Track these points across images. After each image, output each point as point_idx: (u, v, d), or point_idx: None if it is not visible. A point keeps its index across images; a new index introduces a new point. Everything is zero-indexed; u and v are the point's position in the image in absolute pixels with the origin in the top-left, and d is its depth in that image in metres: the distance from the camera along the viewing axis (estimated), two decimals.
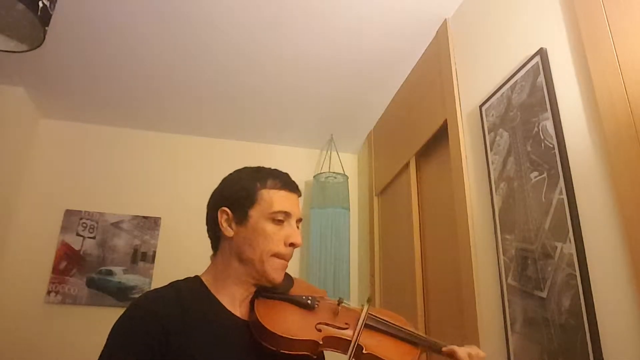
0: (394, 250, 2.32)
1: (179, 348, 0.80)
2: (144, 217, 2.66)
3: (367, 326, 0.92)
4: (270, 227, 0.92)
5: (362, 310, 0.94)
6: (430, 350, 0.96)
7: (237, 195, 0.95)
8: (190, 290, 0.91)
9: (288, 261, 0.95)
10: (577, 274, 1.05)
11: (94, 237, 2.58)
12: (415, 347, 0.95)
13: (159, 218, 2.66)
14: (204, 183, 2.72)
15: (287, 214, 0.94)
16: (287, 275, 0.98)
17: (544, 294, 1.16)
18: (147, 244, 2.62)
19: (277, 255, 0.92)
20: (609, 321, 0.98)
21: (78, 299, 2.45)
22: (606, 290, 1.00)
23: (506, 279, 1.32)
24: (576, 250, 1.07)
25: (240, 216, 0.93)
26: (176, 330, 0.81)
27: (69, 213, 2.60)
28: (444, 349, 0.92)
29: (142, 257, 2.59)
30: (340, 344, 0.88)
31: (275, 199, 0.93)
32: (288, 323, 0.88)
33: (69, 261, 2.51)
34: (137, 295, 2.48)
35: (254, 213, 0.92)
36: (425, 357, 1.61)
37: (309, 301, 0.93)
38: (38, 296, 2.42)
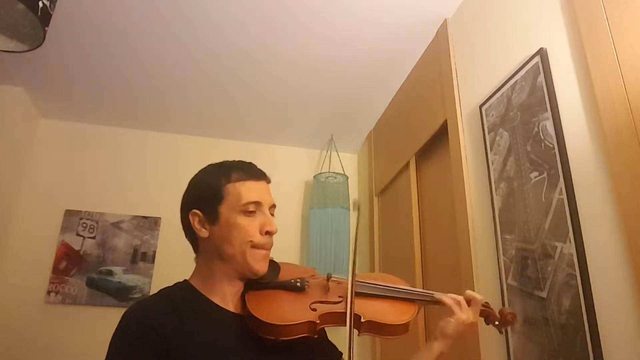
0: (394, 250, 2.32)
1: (180, 352, 0.80)
2: (144, 217, 2.66)
3: (359, 294, 0.92)
4: (242, 220, 0.91)
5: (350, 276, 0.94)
6: (426, 303, 0.98)
7: (204, 195, 0.94)
8: (182, 295, 0.90)
9: (269, 250, 0.94)
10: (577, 274, 1.05)
11: (94, 237, 2.58)
12: (411, 303, 0.96)
13: (159, 218, 2.66)
14: None
15: (257, 204, 0.93)
16: (272, 263, 0.97)
17: (544, 294, 1.16)
18: (147, 244, 2.62)
19: (255, 246, 0.91)
20: (609, 321, 0.98)
21: (78, 299, 2.45)
22: (606, 290, 0.99)
23: (506, 279, 1.32)
24: (576, 250, 1.07)
25: (211, 215, 0.92)
26: (174, 337, 0.81)
27: (69, 213, 2.60)
28: (435, 296, 0.96)
29: (142, 257, 2.59)
30: (337, 318, 0.89)
31: (242, 191, 0.92)
32: (281, 310, 0.88)
33: (69, 261, 2.51)
34: (137, 296, 2.50)
35: (224, 210, 0.92)
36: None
37: (298, 283, 0.93)
38: (38, 296, 2.42)
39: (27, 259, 2.47)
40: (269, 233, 0.93)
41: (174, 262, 2.56)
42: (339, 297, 0.92)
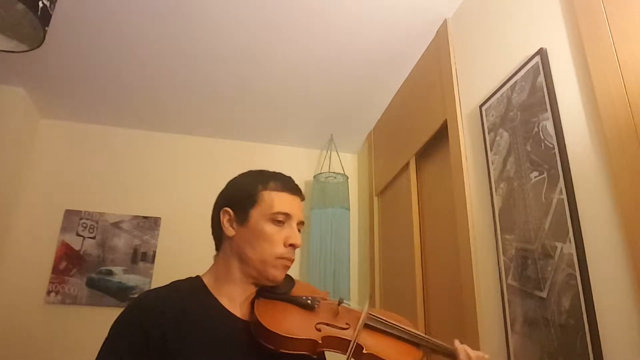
0: (394, 250, 2.32)
1: (175, 348, 0.80)
2: (144, 217, 2.66)
3: (367, 326, 0.92)
4: (270, 227, 0.93)
5: (362, 310, 0.94)
6: (433, 353, 0.95)
7: (239, 196, 0.97)
8: (190, 291, 0.91)
9: (290, 262, 0.95)
10: (577, 274, 1.05)
11: (94, 237, 2.58)
12: (416, 348, 0.95)
13: (159, 218, 2.66)
14: (204, 183, 2.74)
15: (287, 215, 0.94)
16: (288, 277, 0.98)
17: (544, 294, 1.16)
18: (147, 244, 2.62)
19: (278, 256, 0.92)
20: (609, 321, 0.98)
21: (78, 299, 2.45)
22: (606, 290, 0.99)
23: (506, 279, 1.32)
24: (576, 250, 1.07)
25: (242, 216, 0.94)
26: (173, 330, 0.81)
27: (69, 213, 2.60)
28: (450, 348, 0.92)
29: (142, 257, 2.59)
30: (339, 344, 0.88)
31: (276, 200, 0.95)
32: (287, 322, 0.88)
33: (69, 261, 2.51)
34: (137, 296, 2.50)
35: (255, 213, 0.94)
36: (427, 359, 1.62)
37: (309, 301, 0.93)
38: (38, 296, 2.42)
39: (27, 259, 2.47)
40: (292, 245, 0.94)
41: (174, 262, 2.57)
42: (346, 323, 0.92)
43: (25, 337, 2.33)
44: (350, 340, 0.86)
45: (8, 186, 2.45)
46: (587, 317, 1.01)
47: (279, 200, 0.95)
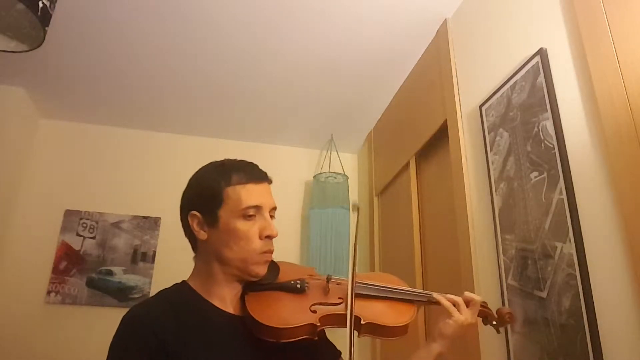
0: (394, 250, 2.32)
1: (176, 354, 0.79)
2: (144, 217, 2.66)
3: (358, 295, 0.92)
4: (242, 224, 0.89)
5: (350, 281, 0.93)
6: (425, 304, 0.99)
7: (203, 197, 0.93)
8: (181, 298, 0.90)
9: (270, 253, 0.92)
10: (577, 274, 1.05)
11: (94, 237, 2.58)
12: (410, 304, 0.97)
13: (159, 218, 2.66)
14: None
15: (257, 208, 0.91)
16: (271, 263, 0.96)
17: (544, 294, 1.16)
18: (147, 244, 2.62)
19: (255, 250, 0.90)
20: (609, 321, 0.98)
21: (78, 299, 2.45)
22: (606, 290, 0.99)
23: (506, 279, 1.32)
24: (576, 250, 1.07)
25: (210, 218, 0.91)
26: (172, 340, 0.80)
27: (69, 213, 2.60)
28: (433, 296, 0.97)
29: (142, 257, 2.59)
30: (338, 320, 0.89)
31: (242, 195, 0.90)
32: (281, 312, 0.88)
33: (69, 261, 2.51)
34: (137, 296, 2.50)
35: (223, 213, 0.90)
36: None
37: (298, 285, 0.92)
38: (38, 296, 2.42)
39: (27, 259, 2.47)
40: (269, 237, 0.91)
41: (174, 262, 2.56)
42: (339, 298, 0.92)
43: (25, 337, 2.33)
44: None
45: (8, 186, 2.45)
46: (587, 317, 1.01)
47: (246, 194, 0.90)
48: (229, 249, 0.89)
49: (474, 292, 1.45)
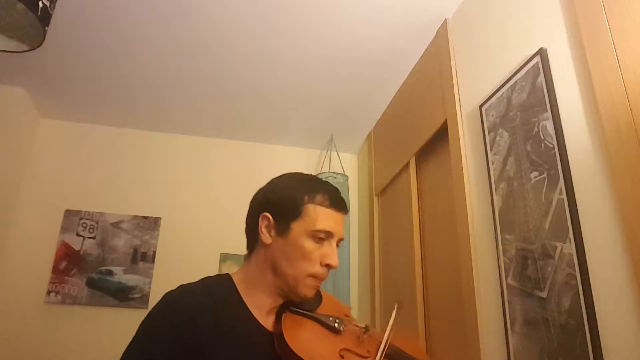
0: (394, 250, 2.32)
1: (205, 351, 0.79)
2: (144, 217, 2.66)
3: (387, 356, 0.91)
4: (309, 244, 0.89)
5: (383, 337, 0.92)
6: None
7: (282, 204, 0.92)
8: (222, 292, 0.89)
9: (322, 280, 0.92)
10: (577, 274, 1.05)
11: (94, 237, 2.58)
12: None
13: (159, 218, 2.66)
14: (204, 183, 2.74)
15: (329, 234, 0.90)
16: (317, 292, 0.95)
17: (544, 294, 1.16)
18: (147, 244, 2.62)
19: (312, 275, 0.89)
20: (609, 321, 0.98)
21: (78, 299, 2.45)
22: (606, 290, 0.99)
23: (506, 279, 1.32)
24: (576, 250, 1.07)
25: (282, 227, 0.90)
26: (206, 331, 0.80)
27: (69, 213, 2.60)
28: None
29: (142, 257, 2.59)
30: None
31: (321, 216, 0.90)
32: (312, 345, 0.86)
33: (69, 261, 2.51)
34: (137, 296, 2.50)
35: (296, 227, 0.89)
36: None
37: (336, 324, 0.91)
38: (38, 296, 2.42)
39: (27, 259, 2.47)
40: (328, 266, 0.90)
41: (174, 262, 2.57)
42: (368, 351, 0.91)
43: (25, 337, 2.33)
44: None
45: (8, 186, 2.46)
46: (587, 317, 1.01)
47: (324, 217, 0.90)
48: (288, 263, 0.89)
49: (474, 293, 1.46)
